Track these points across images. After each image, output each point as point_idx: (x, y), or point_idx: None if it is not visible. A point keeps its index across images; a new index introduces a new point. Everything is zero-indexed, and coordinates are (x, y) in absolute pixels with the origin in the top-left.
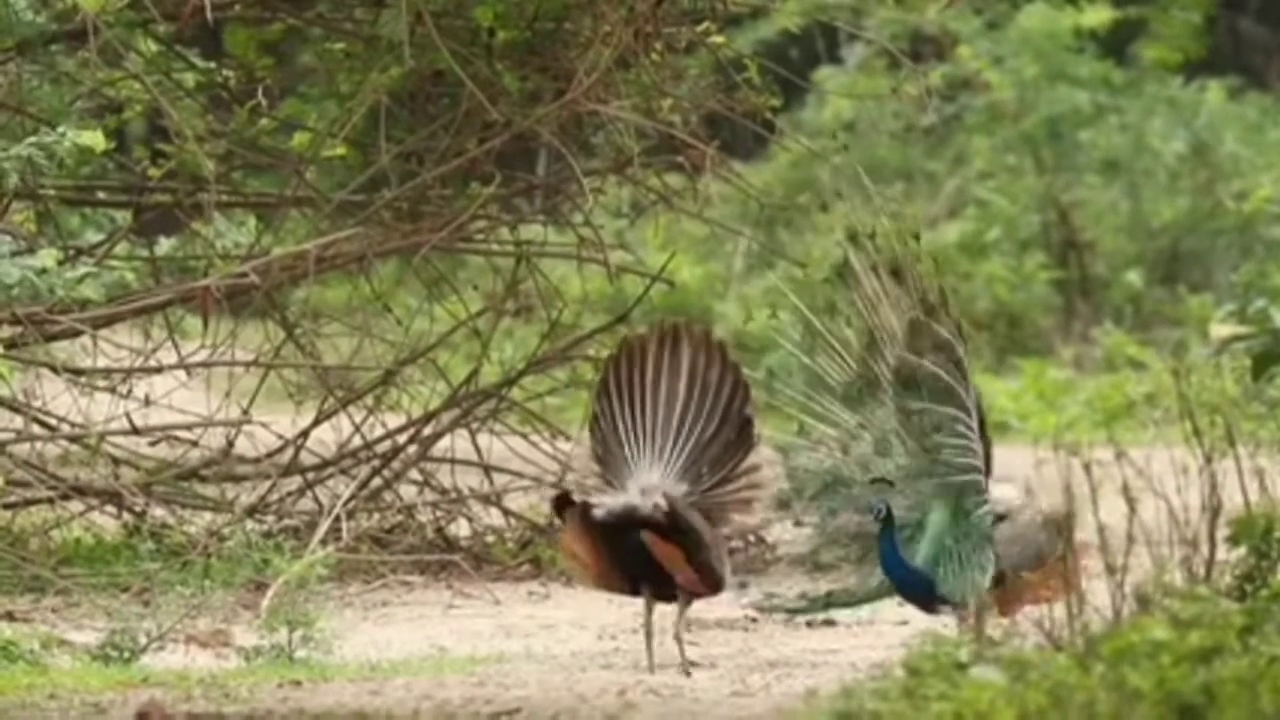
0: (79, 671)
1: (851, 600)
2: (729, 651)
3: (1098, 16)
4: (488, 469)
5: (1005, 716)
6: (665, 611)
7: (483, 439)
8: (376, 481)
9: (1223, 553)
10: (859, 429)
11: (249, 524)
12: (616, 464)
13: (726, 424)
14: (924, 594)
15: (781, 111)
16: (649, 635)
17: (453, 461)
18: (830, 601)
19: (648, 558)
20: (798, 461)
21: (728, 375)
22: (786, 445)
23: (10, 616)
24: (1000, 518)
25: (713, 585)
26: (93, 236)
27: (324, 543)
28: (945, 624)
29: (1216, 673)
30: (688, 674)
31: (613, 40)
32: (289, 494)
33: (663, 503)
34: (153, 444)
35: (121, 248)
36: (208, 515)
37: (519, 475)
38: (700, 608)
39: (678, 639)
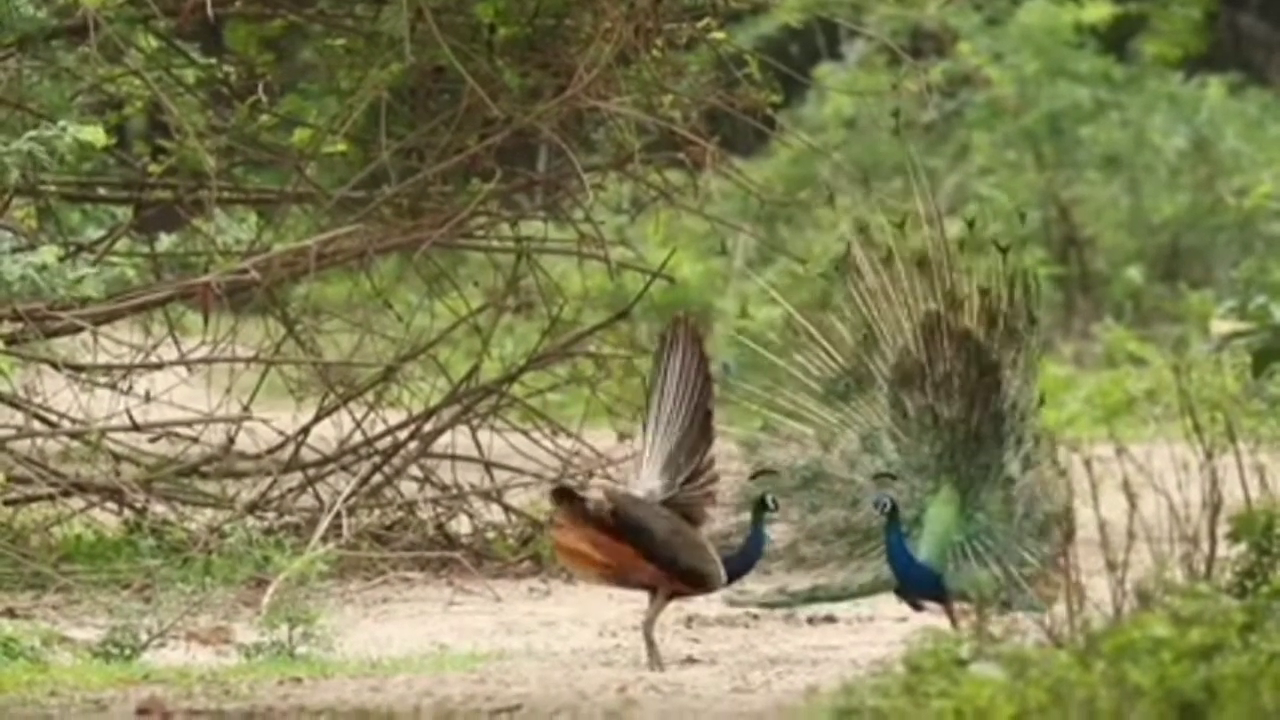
0: (80, 668)
1: (842, 595)
2: (730, 648)
3: (1098, 12)
4: (488, 465)
5: (1005, 713)
6: (668, 609)
7: (483, 435)
8: (377, 478)
9: (1223, 549)
10: (841, 426)
11: (250, 521)
12: (638, 458)
13: (697, 416)
14: (929, 589)
15: (782, 107)
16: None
17: (453, 458)
18: (814, 596)
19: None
20: (765, 456)
21: (701, 368)
22: (751, 440)
23: (11, 613)
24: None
25: (694, 583)
26: (93, 233)
27: (325, 539)
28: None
29: (1217, 669)
30: (660, 669)
31: (613, 36)
32: (290, 490)
33: (606, 502)
34: (153, 440)
35: (122, 244)
36: (208, 512)
37: (520, 471)
38: (701, 604)
39: (646, 637)
